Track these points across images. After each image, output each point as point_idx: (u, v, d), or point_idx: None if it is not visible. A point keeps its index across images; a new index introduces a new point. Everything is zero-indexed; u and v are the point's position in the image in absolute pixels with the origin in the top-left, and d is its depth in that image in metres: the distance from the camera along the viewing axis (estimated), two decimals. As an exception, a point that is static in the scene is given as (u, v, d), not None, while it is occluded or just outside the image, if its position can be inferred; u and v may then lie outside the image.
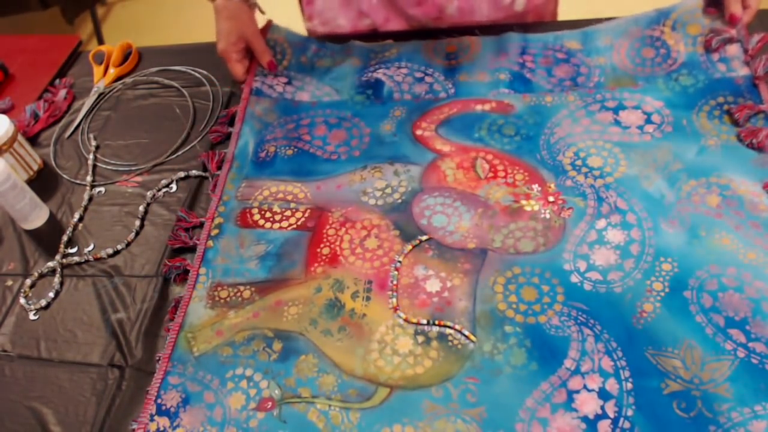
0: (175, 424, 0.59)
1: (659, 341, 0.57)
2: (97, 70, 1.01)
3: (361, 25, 0.96)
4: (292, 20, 0.98)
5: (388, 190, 0.74)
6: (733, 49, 0.77)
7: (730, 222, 0.64)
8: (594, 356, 0.57)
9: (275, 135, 0.83)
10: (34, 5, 2.05)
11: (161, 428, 0.59)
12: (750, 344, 0.55)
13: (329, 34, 0.98)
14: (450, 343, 0.60)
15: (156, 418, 0.60)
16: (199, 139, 0.87)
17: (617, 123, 0.74)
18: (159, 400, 0.61)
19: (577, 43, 0.84)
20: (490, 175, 0.73)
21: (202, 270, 0.70)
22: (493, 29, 0.89)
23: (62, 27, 2.24)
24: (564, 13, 1.00)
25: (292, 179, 0.77)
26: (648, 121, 0.74)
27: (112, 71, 1.00)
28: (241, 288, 0.68)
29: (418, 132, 0.79)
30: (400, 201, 0.72)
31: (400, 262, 0.67)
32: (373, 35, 0.95)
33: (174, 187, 0.81)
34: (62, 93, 0.98)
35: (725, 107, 0.73)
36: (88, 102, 0.96)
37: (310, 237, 0.71)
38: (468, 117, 0.79)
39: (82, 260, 0.75)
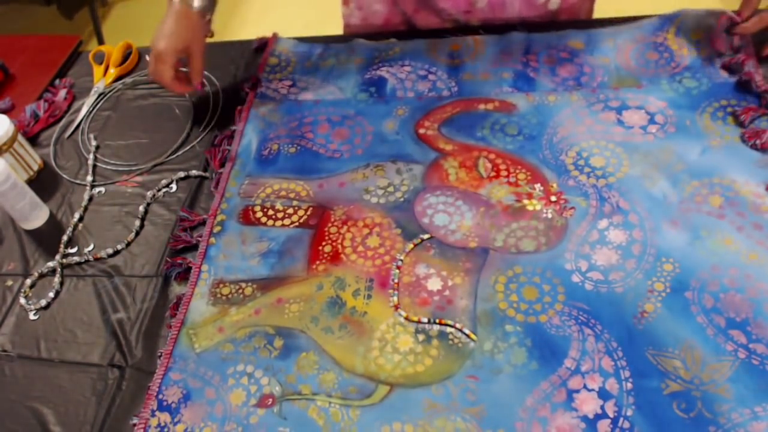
0: (176, 419, 0.59)
1: (660, 341, 0.57)
2: (97, 70, 1.01)
3: (395, 13, 0.96)
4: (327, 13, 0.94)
5: (391, 189, 0.74)
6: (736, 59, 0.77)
7: (732, 223, 0.64)
8: (594, 356, 0.57)
9: (278, 133, 0.83)
10: None
11: (162, 424, 0.59)
12: (751, 345, 0.55)
13: (363, 24, 0.98)
14: (450, 342, 0.60)
15: (157, 413, 0.60)
16: (199, 139, 0.87)
17: (620, 123, 0.74)
18: (160, 396, 0.61)
19: (580, 42, 0.85)
20: (493, 174, 0.73)
21: (204, 267, 0.70)
22: (522, 27, 0.88)
23: (63, 24, 2.24)
24: (601, 11, 0.96)
25: (294, 177, 0.77)
26: (651, 121, 0.74)
27: (112, 71, 1.00)
28: (243, 285, 0.68)
29: (421, 131, 0.79)
30: (402, 199, 0.72)
31: (401, 260, 0.67)
32: (400, 32, 0.95)
33: (174, 187, 0.81)
34: (62, 93, 0.98)
35: (729, 109, 0.73)
36: (88, 102, 0.96)
37: (312, 235, 0.71)
38: (471, 116, 0.79)
39: (82, 260, 0.75)
